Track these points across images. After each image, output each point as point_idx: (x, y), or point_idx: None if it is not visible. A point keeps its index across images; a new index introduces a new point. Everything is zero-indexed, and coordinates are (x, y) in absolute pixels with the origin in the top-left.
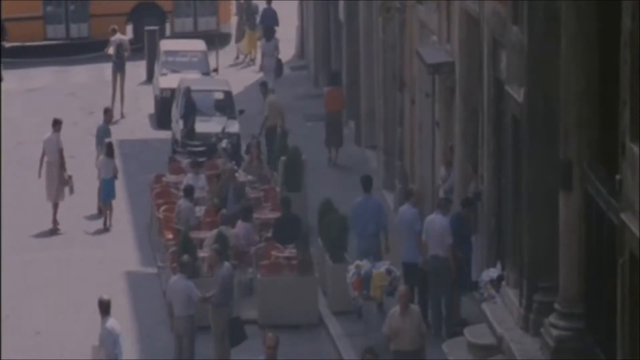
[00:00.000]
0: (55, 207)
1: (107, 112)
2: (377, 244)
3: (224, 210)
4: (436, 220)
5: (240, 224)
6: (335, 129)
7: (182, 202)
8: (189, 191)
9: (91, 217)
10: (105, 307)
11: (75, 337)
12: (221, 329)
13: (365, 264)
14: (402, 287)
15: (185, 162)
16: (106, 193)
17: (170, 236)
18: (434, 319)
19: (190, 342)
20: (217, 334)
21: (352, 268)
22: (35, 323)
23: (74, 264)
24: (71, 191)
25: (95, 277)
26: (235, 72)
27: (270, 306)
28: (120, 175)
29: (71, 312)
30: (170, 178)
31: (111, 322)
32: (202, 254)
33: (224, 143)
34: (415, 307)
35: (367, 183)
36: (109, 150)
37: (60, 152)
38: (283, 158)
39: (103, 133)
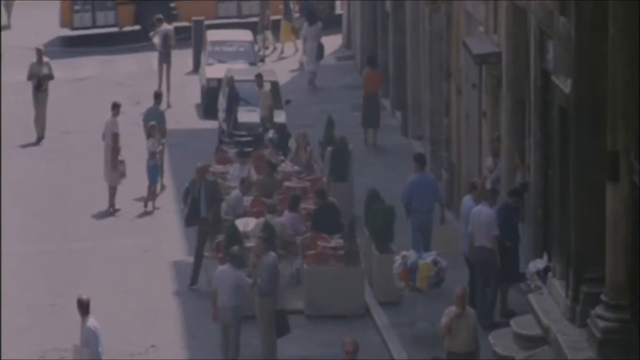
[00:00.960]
0: (111, 190)
1: (158, 96)
2: (431, 219)
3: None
4: (483, 212)
5: (286, 213)
6: (372, 110)
7: (234, 192)
8: (243, 183)
9: (140, 206)
10: (84, 307)
11: (121, 326)
12: (268, 318)
13: (411, 255)
14: (459, 288)
15: (232, 152)
16: (149, 175)
17: None
18: (480, 310)
19: (236, 332)
20: (264, 323)
21: (398, 258)
22: None
23: (119, 253)
24: (122, 176)
25: (140, 266)
26: (281, 62)
27: (317, 296)
28: (166, 164)
29: (117, 301)
30: (216, 168)
31: (92, 322)
32: (249, 243)
33: (270, 133)
34: (471, 310)
35: (420, 160)
36: (150, 132)
37: (114, 136)
38: (329, 148)
39: (152, 115)
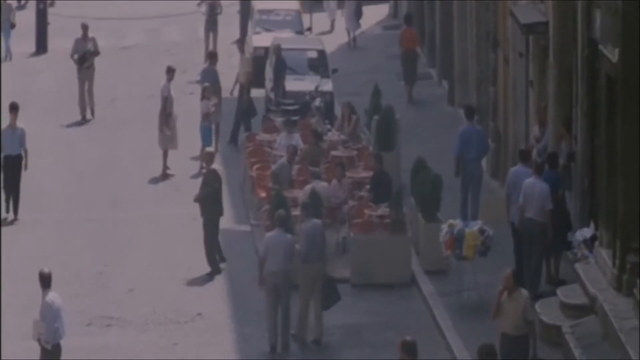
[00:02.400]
0: (165, 154)
1: (213, 56)
2: (480, 169)
3: None
4: (536, 185)
5: (334, 182)
6: (410, 66)
7: (280, 160)
8: (290, 151)
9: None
10: (46, 280)
11: (167, 294)
12: (309, 286)
13: (458, 223)
14: (507, 271)
15: (278, 120)
16: (202, 137)
17: (263, 194)
18: (527, 280)
19: (287, 297)
20: (304, 291)
21: (444, 227)
22: (128, 280)
23: (167, 221)
24: (173, 140)
25: (188, 235)
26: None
27: (363, 265)
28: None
29: (164, 269)
30: (263, 136)
31: (51, 296)
32: (295, 212)
33: (317, 102)
34: (524, 292)
35: (469, 111)
36: (204, 94)
37: (165, 99)
38: (376, 117)
39: (209, 75)
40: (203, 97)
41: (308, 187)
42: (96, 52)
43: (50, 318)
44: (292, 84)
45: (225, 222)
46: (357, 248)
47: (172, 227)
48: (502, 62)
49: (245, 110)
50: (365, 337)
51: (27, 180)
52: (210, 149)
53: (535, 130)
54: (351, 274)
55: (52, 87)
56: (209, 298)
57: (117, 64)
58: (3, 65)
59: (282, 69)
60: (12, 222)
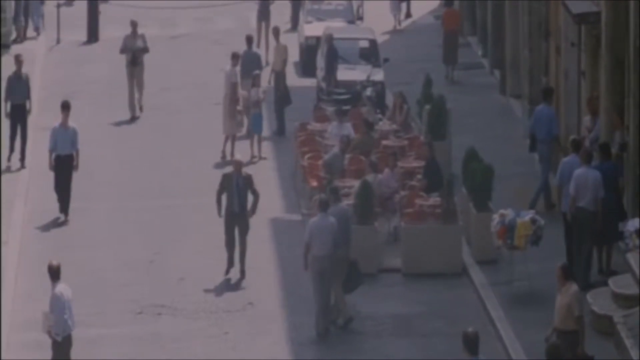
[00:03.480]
0: (226, 139)
1: (250, 39)
2: (547, 150)
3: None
4: (589, 174)
5: (386, 171)
6: (451, 47)
7: (333, 150)
8: (343, 141)
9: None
10: (54, 272)
11: (218, 282)
12: (335, 271)
13: (509, 213)
14: (558, 266)
15: (330, 110)
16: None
17: (314, 184)
18: (577, 270)
19: (330, 280)
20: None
21: (496, 217)
22: (179, 269)
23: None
24: (240, 125)
25: None
26: (378, 20)
27: (414, 254)
28: (265, 122)
29: (215, 258)
30: (315, 126)
31: (60, 288)
32: (347, 201)
33: (368, 91)
34: (573, 287)
35: (548, 93)
36: (254, 81)
37: (233, 85)
38: (427, 106)
39: (249, 59)
40: (253, 85)
41: (363, 179)
42: (146, 49)
43: (59, 310)
44: (344, 74)
45: (276, 211)
46: (408, 237)
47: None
48: (554, 51)
49: (281, 98)
50: (415, 326)
51: (79, 168)
52: (239, 157)
53: (586, 120)
54: (402, 264)
55: (103, 75)
56: (259, 287)
57: (167, 53)
58: (51, 51)
59: (333, 59)
60: (63, 223)
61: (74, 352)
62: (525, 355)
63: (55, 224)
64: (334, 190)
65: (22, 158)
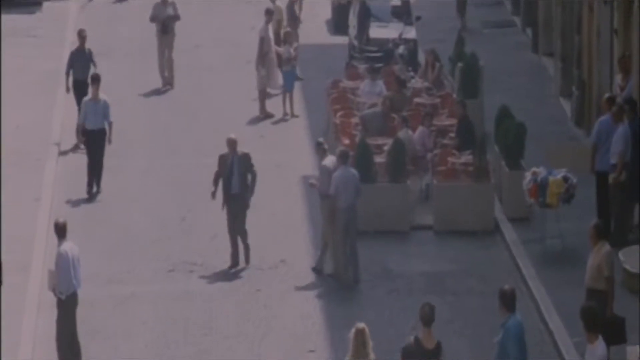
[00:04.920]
0: (261, 93)
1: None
2: None
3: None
4: (614, 130)
5: (420, 129)
6: None
7: (373, 108)
8: (387, 104)
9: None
10: (61, 230)
11: (250, 240)
12: (326, 220)
13: (542, 171)
14: (591, 224)
15: (362, 67)
16: (285, 82)
17: (346, 141)
18: (614, 229)
19: (355, 232)
20: (324, 224)
21: (528, 175)
22: (211, 226)
23: None
24: (268, 80)
25: (272, 181)
26: None
27: (446, 212)
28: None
29: (247, 216)
30: (347, 84)
31: (66, 246)
32: (379, 159)
33: (401, 49)
34: (605, 247)
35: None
36: (286, 38)
37: (261, 40)
38: (460, 64)
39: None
40: (285, 42)
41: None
42: (176, 17)
43: (64, 268)
44: (376, 31)
45: (308, 169)
46: (441, 195)
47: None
48: (586, 9)
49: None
50: (447, 284)
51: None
52: (233, 136)
53: (618, 79)
54: (434, 222)
55: (136, 34)
56: (292, 244)
57: (200, 11)
58: (83, 9)
59: (366, 17)
60: (96, 195)
61: (107, 309)
62: (557, 313)
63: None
64: (343, 154)
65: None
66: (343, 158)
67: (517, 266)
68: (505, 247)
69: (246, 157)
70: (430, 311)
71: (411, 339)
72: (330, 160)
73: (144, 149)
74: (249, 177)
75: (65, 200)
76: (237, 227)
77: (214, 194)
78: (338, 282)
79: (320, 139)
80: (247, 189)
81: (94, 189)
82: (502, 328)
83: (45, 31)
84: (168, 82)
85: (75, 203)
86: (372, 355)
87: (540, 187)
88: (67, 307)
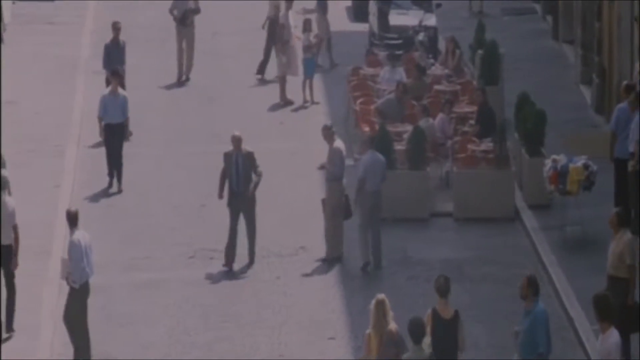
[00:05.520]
0: (281, 80)
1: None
2: None
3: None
4: (634, 118)
5: (440, 116)
6: None
7: (388, 96)
8: (399, 87)
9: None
10: (73, 219)
11: (270, 227)
12: (332, 204)
13: (562, 158)
14: (613, 212)
15: (382, 55)
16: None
17: (366, 128)
18: (635, 216)
19: (379, 217)
20: (328, 208)
21: (548, 162)
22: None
23: (269, 155)
24: (288, 67)
25: (291, 168)
26: None
27: (466, 199)
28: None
29: (266, 202)
30: (367, 70)
31: (78, 235)
32: (399, 146)
33: (421, 36)
34: (627, 234)
35: None
36: (305, 26)
37: (281, 27)
38: (480, 51)
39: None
40: (304, 30)
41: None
42: (197, 10)
43: (77, 257)
44: (396, 19)
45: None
46: (461, 182)
47: (274, 160)
48: None
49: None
50: (467, 271)
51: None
52: (238, 133)
53: (637, 66)
54: (454, 208)
55: (155, 22)
56: (311, 231)
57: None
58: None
59: (386, 4)
60: (117, 193)
61: (127, 296)
62: (577, 300)
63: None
64: (370, 139)
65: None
66: (370, 143)
67: (537, 253)
68: (526, 234)
69: (250, 156)
70: (445, 282)
71: (428, 310)
72: (340, 143)
73: (162, 136)
74: (254, 176)
75: (85, 186)
76: (246, 225)
77: (220, 194)
78: (330, 264)
79: (328, 123)
80: (249, 187)
81: (116, 187)
82: (528, 316)
83: (64, 18)
84: (185, 73)
85: (95, 189)
86: (393, 326)
87: (561, 175)
88: (80, 295)
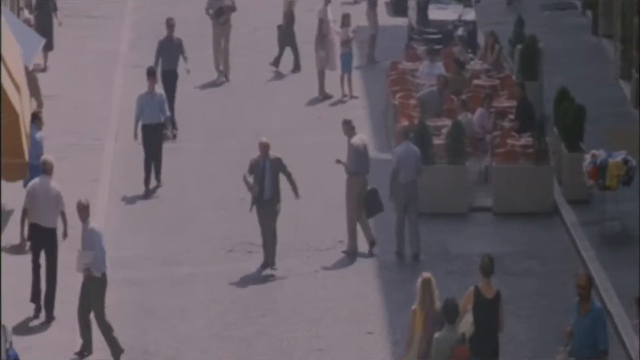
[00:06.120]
0: (320, 74)
1: None
2: None
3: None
4: None
5: (479, 110)
6: None
7: (429, 89)
8: (442, 81)
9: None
10: (85, 211)
11: (308, 221)
12: (354, 197)
13: (601, 153)
14: None
15: (421, 49)
16: (342, 63)
17: (405, 123)
18: None
19: (416, 209)
20: (350, 202)
21: (587, 157)
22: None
23: (308, 149)
24: (326, 60)
25: (329, 162)
26: None
27: (505, 194)
28: (355, 59)
29: (305, 196)
30: (406, 65)
31: (92, 226)
32: (438, 141)
33: (460, 31)
34: None
35: None
36: (344, 21)
37: (320, 22)
38: (519, 46)
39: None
40: (343, 24)
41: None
42: (233, 8)
43: (101, 244)
44: (435, 13)
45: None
46: (500, 177)
47: (313, 154)
48: None
49: (286, 36)
50: (506, 265)
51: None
52: (265, 139)
53: None
54: (493, 203)
55: (193, 15)
56: None
57: None
58: None
59: None
60: (156, 189)
61: (166, 289)
62: (616, 295)
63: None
64: (404, 129)
65: (173, 124)
66: (405, 134)
67: (576, 248)
68: (565, 229)
69: (278, 162)
70: (490, 262)
71: (471, 288)
72: (359, 138)
73: (201, 130)
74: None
75: (123, 180)
76: (267, 232)
77: (254, 200)
78: (352, 258)
79: (347, 118)
80: (278, 194)
81: (155, 183)
82: (587, 315)
83: (105, 12)
84: (224, 75)
85: (133, 184)
86: (437, 304)
87: (600, 169)
88: (101, 284)
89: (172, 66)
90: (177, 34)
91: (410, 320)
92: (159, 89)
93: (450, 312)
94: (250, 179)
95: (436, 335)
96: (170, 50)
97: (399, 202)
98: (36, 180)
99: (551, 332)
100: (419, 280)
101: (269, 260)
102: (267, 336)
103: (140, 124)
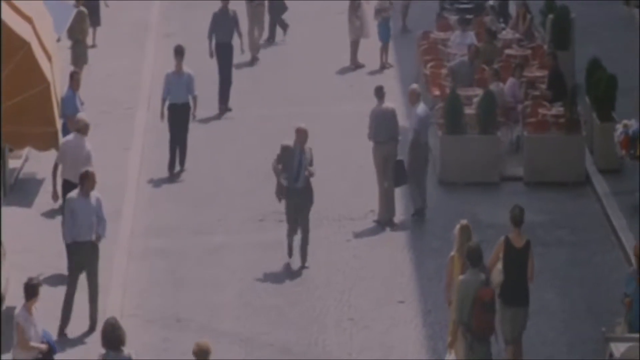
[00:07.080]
0: (353, 44)
1: None
2: None
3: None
4: None
5: (510, 80)
6: None
7: (460, 58)
8: (474, 50)
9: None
10: (90, 182)
11: (340, 190)
12: (380, 166)
13: (633, 123)
14: None
15: (453, 19)
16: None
17: (437, 92)
18: None
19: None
20: (377, 171)
21: (619, 127)
22: None
23: (340, 118)
24: (359, 31)
25: (360, 132)
26: None
27: (537, 164)
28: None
29: (337, 166)
30: (437, 35)
31: (94, 197)
32: (469, 110)
33: (491, 1)
34: None
35: None
36: None
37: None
38: (550, 16)
39: None
40: None
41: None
42: None
43: (102, 213)
44: None
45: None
46: (531, 147)
47: (345, 123)
48: None
49: (277, 7)
50: (538, 235)
51: (201, 77)
52: (304, 125)
53: None
54: (524, 173)
55: None
56: None
57: None
58: None
59: None
60: (179, 174)
61: (197, 259)
62: None
63: None
64: (414, 91)
65: (225, 101)
66: (416, 96)
67: (607, 218)
68: (596, 198)
69: (310, 152)
70: (520, 212)
71: (501, 238)
72: (379, 107)
73: (233, 99)
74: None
75: (154, 149)
76: (301, 221)
77: (280, 191)
78: (382, 226)
79: (380, 84)
80: (310, 185)
81: (178, 168)
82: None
83: None
84: (252, 53)
85: (164, 153)
86: None
87: (632, 139)
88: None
89: (227, 39)
90: (214, 7)
91: (449, 266)
92: (187, 68)
93: (474, 256)
94: (279, 167)
95: (461, 277)
96: (225, 23)
97: (421, 163)
98: (69, 137)
99: (582, 302)
100: (457, 227)
101: (302, 259)
102: (299, 305)
103: (167, 103)
